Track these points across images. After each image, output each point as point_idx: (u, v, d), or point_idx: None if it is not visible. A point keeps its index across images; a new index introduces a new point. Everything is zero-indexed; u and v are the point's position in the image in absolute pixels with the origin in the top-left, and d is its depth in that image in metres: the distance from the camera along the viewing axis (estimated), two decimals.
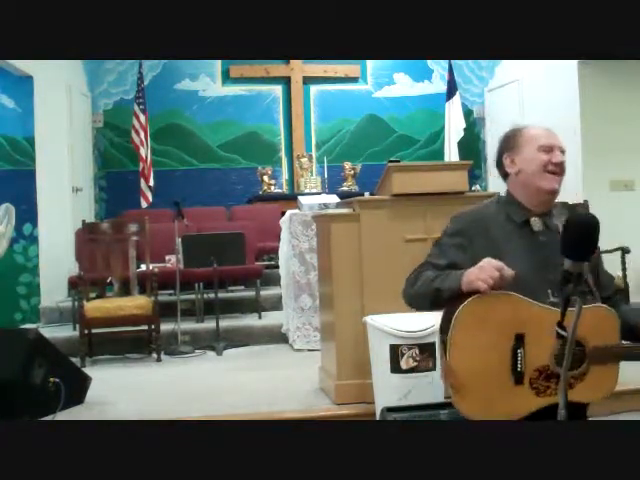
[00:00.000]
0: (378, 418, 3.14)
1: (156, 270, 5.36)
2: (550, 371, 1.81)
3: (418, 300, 2.02)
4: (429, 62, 8.85)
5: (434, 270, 1.99)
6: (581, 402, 1.86)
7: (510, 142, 2.09)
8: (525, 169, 2.02)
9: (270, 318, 5.88)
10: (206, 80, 8.50)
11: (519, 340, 1.80)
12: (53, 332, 5.48)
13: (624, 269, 5.67)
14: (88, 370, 4.38)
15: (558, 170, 1.99)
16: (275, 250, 6.15)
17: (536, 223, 2.00)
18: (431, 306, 1.99)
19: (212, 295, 5.66)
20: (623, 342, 1.87)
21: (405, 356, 3.14)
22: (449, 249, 2.01)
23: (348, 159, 8.46)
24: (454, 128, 8.24)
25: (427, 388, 3.13)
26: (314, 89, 8.71)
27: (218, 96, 8.52)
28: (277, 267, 5.99)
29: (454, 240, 2.02)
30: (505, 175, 2.10)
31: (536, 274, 1.92)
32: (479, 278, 1.79)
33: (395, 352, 3.14)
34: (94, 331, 5.18)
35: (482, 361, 1.80)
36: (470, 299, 1.80)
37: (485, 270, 1.80)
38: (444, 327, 1.87)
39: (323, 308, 4.06)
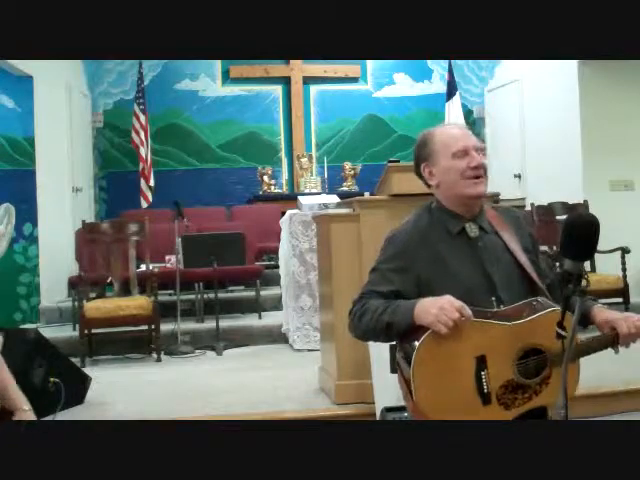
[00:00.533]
0: (378, 418, 3.14)
1: (156, 270, 5.36)
2: (515, 383, 1.80)
3: (369, 335, 1.96)
4: (429, 62, 8.86)
5: (377, 298, 1.91)
6: (546, 406, 1.83)
7: (424, 150, 1.99)
8: (444, 180, 1.94)
9: (270, 318, 5.88)
10: (206, 80, 8.51)
11: (481, 362, 1.78)
12: (53, 332, 5.48)
13: (624, 269, 5.68)
14: (88, 370, 4.37)
15: (479, 172, 1.91)
16: (275, 250, 6.15)
17: (471, 229, 1.95)
18: (385, 340, 1.95)
19: (212, 295, 5.66)
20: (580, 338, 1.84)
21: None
22: (389, 274, 1.93)
23: (348, 159, 8.47)
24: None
25: None
26: (314, 89, 8.71)
27: (218, 96, 8.53)
28: (277, 267, 5.99)
29: (392, 264, 1.93)
30: (426, 184, 2.02)
31: (481, 282, 1.90)
32: (440, 321, 1.72)
33: (395, 352, 3.13)
34: (94, 331, 5.18)
35: (448, 393, 1.77)
36: (425, 337, 1.77)
37: (446, 312, 1.72)
38: (403, 366, 1.85)
39: (323, 308, 4.05)
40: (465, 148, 1.92)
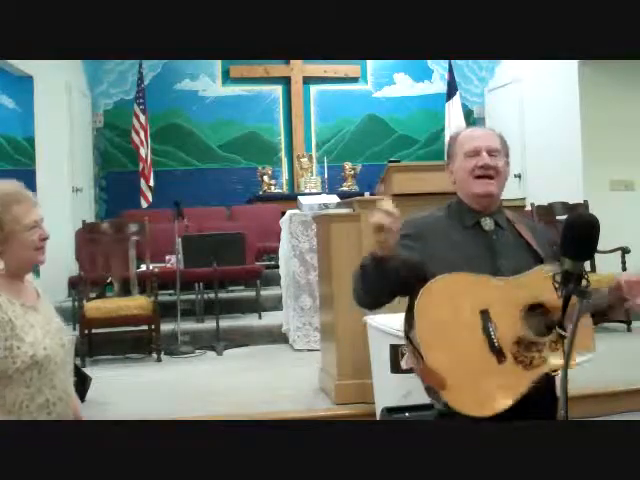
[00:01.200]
0: (378, 418, 3.14)
1: (156, 270, 5.36)
2: (527, 340, 1.78)
3: (358, 291, 1.92)
4: (429, 62, 8.86)
5: None
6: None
7: (448, 150, 2.09)
8: (458, 178, 2.02)
9: (270, 318, 5.88)
10: (206, 80, 8.51)
11: (485, 316, 1.77)
12: None
13: (624, 269, 5.68)
14: (88, 370, 4.38)
15: (490, 173, 1.96)
16: (275, 250, 6.15)
17: (487, 223, 2.00)
18: (367, 290, 1.88)
19: (212, 295, 5.67)
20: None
21: (405, 356, 3.13)
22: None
23: (348, 159, 8.47)
24: (454, 128, 8.22)
25: None
26: (314, 89, 8.71)
27: (218, 96, 8.52)
28: (277, 267, 5.99)
29: (400, 242, 1.93)
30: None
31: (487, 271, 1.90)
32: (373, 220, 1.72)
33: (395, 352, 3.14)
34: (94, 331, 5.18)
35: (458, 350, 1.75)
36: (424, 289, 1.76)
37: (374, 220, 1.73)
38: (407, 330, 1.84)
39: (323, 308, 4.06)
40: (476, 149, 1.98)
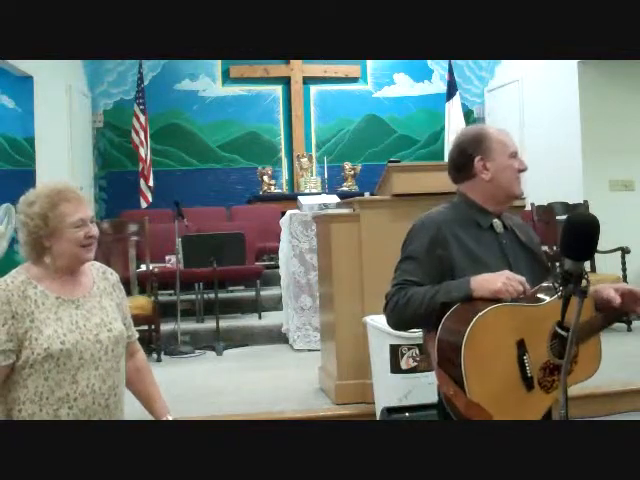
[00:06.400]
0: (378, 418, 3.14)
1: (156, 270, 5.35)
2: (552, 364, 1.80)
3: (416, 321, 1.93)
4: (429, 62, 8.86)
5: (415, 287, 1.90)
6: (576, 383, 1.86)
7: (481, 145, 2.02)
8: (499, 177, 1.99)
9: (270, 318, 5.88)
10: (206, 80, 8.51)
11: (521, 346, 1.78)
12: None
13: (624, 269, 5.68)
14: None
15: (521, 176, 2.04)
16: (275, 250, 6.15)
17: (498, 225, 2.01)
18: (434, 324, 1.86)
19: (212, 295, 5.66)
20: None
21: (405, 356, 3.14)
22: (426, 264, 1.93)
23: (348, 159, 8.47)
24: (454, 128, 8.23)
25: (427, 388, 3.13)
26: (314, 89, 8.72)
27: (218, 96, 8.53)
28: (277, 267, 5.99)
29: (430, 252, 1.93)
30: (466, 177, 2.04)
31: None
32: (508, 289, 1.75)
33: (395, 352, 3.14)
34: None
35: (496, 382, 1.75)
36: (471, 326, 1.74)
37: (512, 282, 1.77)
38: (446, 361, 1.80)
39: (323, 308, 4.06)
40: (516, 151, 2.04)
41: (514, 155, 2.01)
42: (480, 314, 1.74)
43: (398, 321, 1.96)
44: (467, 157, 2.04)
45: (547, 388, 1.80)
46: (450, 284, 1.86)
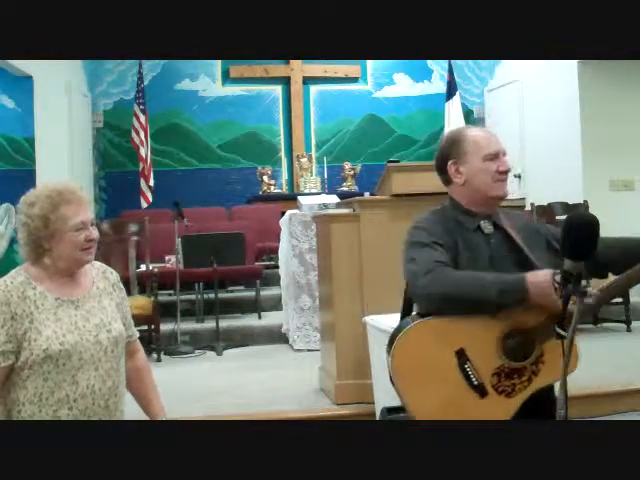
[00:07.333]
0: (378, 418, 3.13)
1: (156, 270, 5.35)
2: (507, 368, 1.79)
3: (458, 300, 1.81)
4: (429, 62, 8.86)
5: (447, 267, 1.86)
6: (549, 384, 1.84)
7: (454, 148, 2.03)
8: (472, 180, 1.99)
9: (270, 318, 5.88)
10: (206, 80, 8.51)
11: (462, 355, 1.78)
12: None
13: None
14: None
15: (506, 176, 2.00)
16: (275, 250, 6.15)
17: (486, 226, 1.99)
18: (472, 310, 1.81)
19: (212, 295, 5.66)
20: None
21: None
22: (439, 247, 1.92)
23: (348, 159, 8.47)
24: (454, 128, 8.24)
25: None
26: (314, 89, 8.72)
27: (218, 96, 8.53)
28: (277, 267, 5.99)
29: (436, 240, 1.93)
30: (446, 181, 2.06)
31: None
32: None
33: None
34: None
35: (440, 395, 1.78)
36: (394, 347, 1.79)
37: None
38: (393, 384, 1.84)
39: (323, 308, 4.05)
40: (496, 151, 2.00)
41: (491, 157, 1.98)
42: (400, 334, 1.78)
43: (437, 294, 1.83)
44: (443, 161, 2.07)
45: (507, 393, 1.79)
46: (504, 276, 1.80)
